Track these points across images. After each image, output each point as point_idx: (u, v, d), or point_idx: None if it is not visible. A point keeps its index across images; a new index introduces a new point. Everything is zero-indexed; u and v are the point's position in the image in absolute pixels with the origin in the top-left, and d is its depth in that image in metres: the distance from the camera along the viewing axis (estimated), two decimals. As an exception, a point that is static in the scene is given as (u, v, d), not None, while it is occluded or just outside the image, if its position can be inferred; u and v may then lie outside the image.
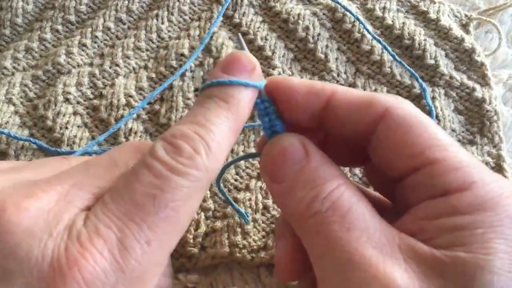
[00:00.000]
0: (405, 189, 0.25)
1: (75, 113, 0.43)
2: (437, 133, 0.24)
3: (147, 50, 0.48)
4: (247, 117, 0.26)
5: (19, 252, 0.20)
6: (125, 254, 0.20)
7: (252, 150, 0.42)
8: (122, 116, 0.43)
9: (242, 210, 0.37)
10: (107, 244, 0.20)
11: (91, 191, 0.23)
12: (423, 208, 0.23)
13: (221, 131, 0.24)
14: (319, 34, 0.49)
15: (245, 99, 0.25)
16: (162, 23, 0.49)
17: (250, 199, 0.39)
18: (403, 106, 0.25)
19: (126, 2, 0.50)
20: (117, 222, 0.20)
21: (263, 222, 0.38)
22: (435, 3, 0.51)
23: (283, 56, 0.48)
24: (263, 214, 0.38)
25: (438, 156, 0.23)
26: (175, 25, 0.50)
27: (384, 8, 0.51)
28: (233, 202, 0.37)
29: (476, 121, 0.44)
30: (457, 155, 0.23)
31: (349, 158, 0.29)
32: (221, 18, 0.49)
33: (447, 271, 0.21)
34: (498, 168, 0.42)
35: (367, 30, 0.48)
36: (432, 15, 0.50)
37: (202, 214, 0.38)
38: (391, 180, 0.26)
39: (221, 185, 0.36)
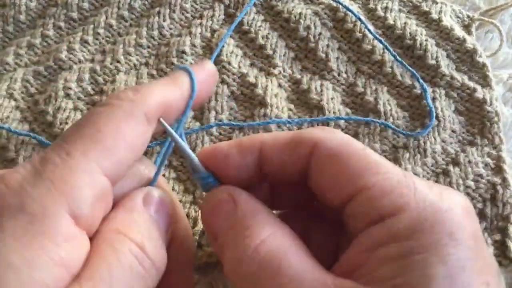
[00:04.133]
0: (346, 219, 0.25)
1: (75, 109, 0.44)
2: (368, 157, 0.24)
3: (148, 47, 0.48)
4: (183, 91, 0.26)
5: None
6: (44, 163, 0.21)
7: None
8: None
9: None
10: (31, 162, 0.21)
11: None
12: (363, 238, 0.23)
13: (153, 84, 0.25)
14: (320, 34, 0.49)
15: (182, 76, 0.27)
16: (164, 20, 0.49)
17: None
18: (331, 137, 0.25)
19: (128, -1, 0.50)
20: (44, 149, 0.22)
21: None
22: (437, 3, 0.51)
23: (284, 55, 0.48)
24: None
25: (369, 181, 0.23)
26: (176, 22, 0.50)
27: (386, 8, 0.51)
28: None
29: (476, 122, 0.44)
30: (389, 176, 0.23)
31: (299, 200, 0.29)
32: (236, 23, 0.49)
33: None
34: (498, 169, 0.42)
35: (369, 30, 0.48)
36: (434, 16, 0.50)
37: (200, 211, 0.38)
38: (335, 212, 0.26)
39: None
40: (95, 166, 0.22)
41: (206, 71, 0.28)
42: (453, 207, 0.22)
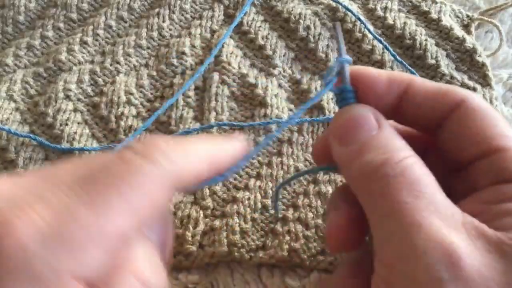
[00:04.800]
0: (469, 176, 0.26)
1: (75, 110, 0.44)
2: (506, 125, 0.26)
3: (148, 48, 0.48)
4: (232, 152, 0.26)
5: None
6: (65, 217, 0.19)
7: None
8: (123, 114, 0.43)
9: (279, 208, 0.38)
10: (47, 208, 0.20)
11: None
12: (486, 193, 0.24)
13: (193, 144, 0.24)
14: (320, 34, 0.49)
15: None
16: (164, 21, 0.49)
17: (249, 199, 0.39)
18: (479, 98, 0.27)
19: (128, 0, 0.50)
20: (65, 190, 0.20)
21: (261, 222, 0.38)
22: (436, 3, 0.51)
23: (283, 55, 0.48)
24: (262, 214, 0.38)
25: (508, 144, 0.24)
26: (176, 23, 0.50)
27: (386, 8, 0.51)
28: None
29: (476, 122, 0.44)
30: None
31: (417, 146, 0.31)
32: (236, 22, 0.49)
33: (509, 252, 0.21)
34: (498, 169, 0.42)
35: (368, 30, 0.48)
36: (434, 15, 0.50)
37: (201, 212, 0.38)
38: (453, 168, 0.27)
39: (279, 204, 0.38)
40: (114, 236, 0.21)
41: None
42: None
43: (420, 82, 0.27)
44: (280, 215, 0.38)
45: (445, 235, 0.21)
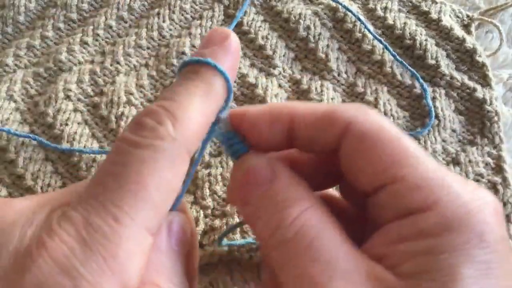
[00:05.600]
0: (374, 207, 0.24)
1: (75, 110, 0.44)
2: (402, 146, 0.23)
3: (148, 48, 0.48)
4: (219, 100, 0.25)
5: (1, 239, 0.20)
6: (92, 232, 0.19)
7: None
8: (123, 114, 0.43)
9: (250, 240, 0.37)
10: (73, 225, 0.20)
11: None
12: (388, 230, 0.22)
13: (189, 101, 0.23)
14: (320, 34, 0.49)
15: (217, 80, 0.24)
16: (164, 21, 0.49)
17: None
18: (365, 119, 0.24)
19: (128, 0, 0.50)
20: (83, 205, 0.20)
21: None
22: (436, 3, 0.51)
23: (283, 55, 0.48)
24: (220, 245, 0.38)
25: (401, 173, 0.22)
26: (176, 23, 0.50)
27: (386, 8, 0.51)
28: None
29: (476, 122, 0.44)
30: (422, 170, 0.22)
31: (323, 178, 0.29)
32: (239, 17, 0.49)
33: None
34: (498, 168, 0.42)
35: (368, 30, 0.48)
36: (434, 15, 0.50)
37: (201, 212, 0.38)
38: (363, 197, 0.25)
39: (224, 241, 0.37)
40: (143, 230, 0.21)
41: (232, 57, 0.25)
42: (485, 208, 0.21)
43: (304, 110, 0.25)
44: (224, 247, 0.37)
45: None
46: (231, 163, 0.41)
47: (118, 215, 0.20)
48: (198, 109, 0.23)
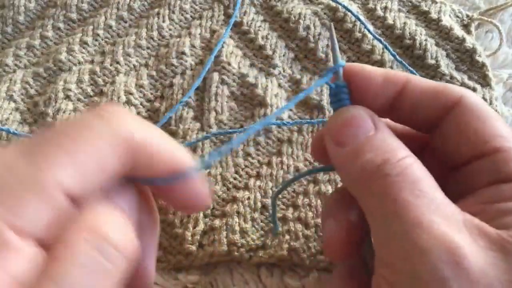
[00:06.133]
0: (466, 176, 0.26)
1: (75, 110, 0.44)
2: (503, 125, 0.26)
3: (148, 48, 0.48)
4: None
5: None
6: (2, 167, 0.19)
7: (252, 149, 0.42)
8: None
9: (278, 225, 0.37)
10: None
11: None
12: (484, 193, 0.24)
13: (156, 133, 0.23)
14: (320, 34, 0.49)
15: None
16: (163, 21, 0.49)
17: (249, 198, 0.39)
18: (475, 97, 0.26)
19: (128, 0, 0.50)
20: (10, 151, 0.19)
21: (261, 221, 0.38)
22: (436, 3, 0.51)
23: (283, 55, 0.48)
24: (261, 213, 0.38)
25: (506, 145, 0.24)
26: (176, 23, 0.50)
27: (385, 8, 0.51)
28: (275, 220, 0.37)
29: (476, 122, 0.44)
30: None
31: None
32: (230, 28, 0.49)
33: (511, 250, 0.21)
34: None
35: (368, 29, 0.48)
36: (433, 15, 0.50)
37: (201, 212, 0.38)
38: (450, 167, 0.27)
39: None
40: (53, 179, 0.19)
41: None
42: None
43: (417, 81, 0.27)
44: (279, 230, 0.37)
45: (448, 234, 0.21)
46: (231, 163, 0.41)
47: (32, 157, 0.19)
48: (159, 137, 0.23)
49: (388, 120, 0.29)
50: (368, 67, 0.27)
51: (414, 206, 0.22)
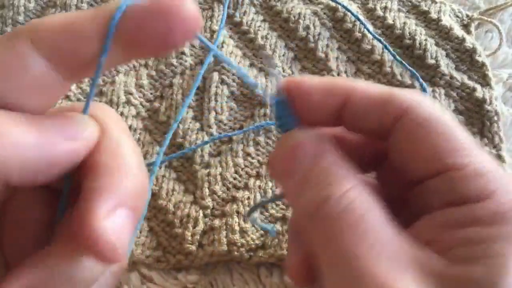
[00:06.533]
0: (422, 194, 0.24)
1: (74, 110, 0.44)
2: (460, 136, 0.23)
3: (147, 48, 0.48)
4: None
5: None
6: None
7: (251, 149, 0.42)
8: (122, 114, 0.43)
9: (269, 227, 0.37)
10: None
11: None
12: (440, 216, 0.22)
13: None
14: (319, 34, 0.49)
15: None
16: (163, 21, 0.49)
17: (248, 198, 0.39)
18: (425, 105, 0.23)
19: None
20: None
21: (261, 221, 0.38)
22: (436, 3, 0.51)
23: (283, 55, 0.48)
24: (261, 213, 0.38)
25: (460, 161, 0.22)
26: (176, 23, 0.50)
27: (385, 7, 0.51)
28: (264, 225, 0.37)
29: (476, 122, 0.44)
30: (480, 160, 0.22)
31: (363, 161, 0.28)
32: (224, 20, 0.49)
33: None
34: (498, 168, 0.42)
35: (367, 29, 0.48)
36: (433, 15, 0.50)
37: (201, 211, 0.38)
38: (407, 183, 0.24)
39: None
40: None
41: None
42: None
43: (361, 90, 0.25)
44: (274, 234, 0.37)
45: (392, 284, 0.20)
46: (231, 163, 0.41)
47: None
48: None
49: (342, 130, 0.27)
50: (307, 80, 0.25)
51: (356, 252, 0.21)
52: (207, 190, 0.39)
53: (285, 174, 0.24)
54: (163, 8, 0.18)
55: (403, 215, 0.25)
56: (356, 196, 0.22)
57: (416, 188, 0.24)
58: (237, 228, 0.37)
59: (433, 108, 0.24)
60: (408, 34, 0.48)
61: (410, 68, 0.46)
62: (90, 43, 0.19)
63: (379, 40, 0.47)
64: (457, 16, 0.51)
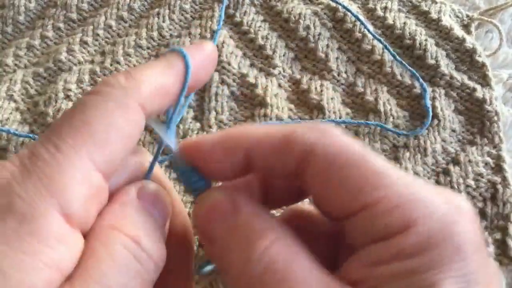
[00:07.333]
0: (347, 232, 0.23)
1: (75, 110, 0.44)
2: (372, 165, 0.22)
3: (148, 48, 0.48)
4: (177, 73, 0.24)
5: None
6: (33, 159, 0.20)
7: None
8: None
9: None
10: (19, 156, 0.21)
11: None
12: (366, 254, 0.22)
13: (146, 66, 0.24)
14: (320, 34, 0.49)
15: (177, 58, 0.24)
16: (163, 21, 0.49)
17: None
18: (330, 141, 0.22)
19: (128, 0, 0.50)
20: (34, 142, 0.21)
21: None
22: (436, 3, 0.51)
23: (283, 55, 0.48)
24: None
25: (376, 196, 0.21)
26: (176, 23, 0.50)
27: (385, 8, 0.51)
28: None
29: (476, 122, 0.44)
30: (396, 190, 0.21)
31: (292, 195, 0.28)
32: (223, 18, 0.49)
33: None
34: (498, 168, 0.42)
35: (368, 30, 0.48)
36: (433, 15, 0.50)
37: (192, 214, 0.38)
38: (334, 219, 0.24)
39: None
40: (87, 160, 0.20)
41: (203, 53, 0.25)
42: (460, 219, 0.21)
43: (259, 137, 0.24)
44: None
45: None
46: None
47: (59, 143, 0.20)
48: (153, 71, 0.23)
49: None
50: (203, 141, 0.25)
51: None
52: (207, 190, 0.39)
53: (205, 241, 0.24)
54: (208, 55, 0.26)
55: (342, 247, 0.25)
56: (277, 252, 0.21)
57: (342, 224, 0.23)
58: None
59: (340, 139, 0.23)
60: (408, 34, 0.48)
61: (410, 68, 0.46)
62: (174, 96, 0.24)
63: (379, 40, 0.47)
64: (457, 16, 0.51)
